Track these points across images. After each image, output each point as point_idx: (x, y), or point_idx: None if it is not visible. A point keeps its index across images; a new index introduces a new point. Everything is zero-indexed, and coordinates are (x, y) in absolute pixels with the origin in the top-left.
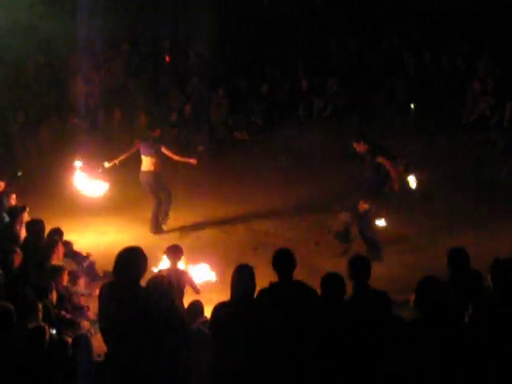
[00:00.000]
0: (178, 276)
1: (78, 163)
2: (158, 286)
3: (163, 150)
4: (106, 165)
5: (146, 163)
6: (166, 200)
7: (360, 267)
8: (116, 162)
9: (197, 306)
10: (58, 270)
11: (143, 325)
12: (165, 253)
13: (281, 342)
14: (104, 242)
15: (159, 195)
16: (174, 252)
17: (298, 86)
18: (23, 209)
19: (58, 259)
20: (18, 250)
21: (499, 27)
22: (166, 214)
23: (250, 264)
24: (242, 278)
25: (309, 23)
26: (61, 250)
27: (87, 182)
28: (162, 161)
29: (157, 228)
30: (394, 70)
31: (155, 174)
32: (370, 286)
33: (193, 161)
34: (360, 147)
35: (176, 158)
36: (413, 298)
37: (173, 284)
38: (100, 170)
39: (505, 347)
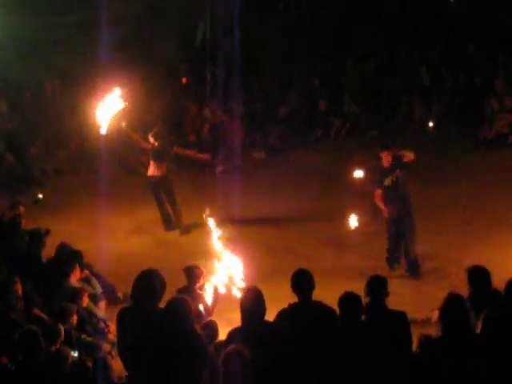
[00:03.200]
0: (192, 298)
1: None
2: (176, 309)
3: None
4: None
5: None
6: None
7: (376, 286)
8: None
9: (211, 327)
10: (78, 292)
11: (162, 348)
12: (184, 271)
13: (296, 365)
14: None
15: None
16: (192, 272)
17: (316, 106)
18: (47, 233)
19: (75, 280)
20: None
21: None
22: None
23: (262, 286)
24: (250, 301)
25: (325, 44)
26: (78, 271)
27: None
28: None
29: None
30: (412, 88)
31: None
32: (386, 305)
33: None
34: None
35: None
36: (436, 315)
37: (191, 306)
38: None
39: None
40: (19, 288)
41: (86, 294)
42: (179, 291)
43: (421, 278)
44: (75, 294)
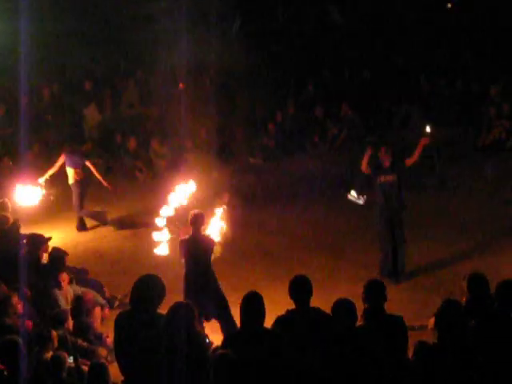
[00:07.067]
0: (202, 243)
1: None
2: (177, 313)
3: (87, 163)
4: (40, 180)
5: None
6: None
7: (374, 291)
8: (47, 176)
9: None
10: (79, 299)
11: (161, 353)
12: (189, 220)
13: (293, 371)
14: None
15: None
16: (198, 218)
17: (313, 112)
18: (48, 239)
19: (65, 284)
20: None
21: None
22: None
23: (259, 292)
24: (251, 306)
25: (323, 52)
26: (65, 277)
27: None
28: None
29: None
30: (409, 94)
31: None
32: (385, 310)
33: (106, 184)
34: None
35: (95, 173)
36: (432, 321)
37: (193, 310)
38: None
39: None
40: (15, 295)
41: (89, 300)
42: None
43: (419, 284)
44: (77, 301)
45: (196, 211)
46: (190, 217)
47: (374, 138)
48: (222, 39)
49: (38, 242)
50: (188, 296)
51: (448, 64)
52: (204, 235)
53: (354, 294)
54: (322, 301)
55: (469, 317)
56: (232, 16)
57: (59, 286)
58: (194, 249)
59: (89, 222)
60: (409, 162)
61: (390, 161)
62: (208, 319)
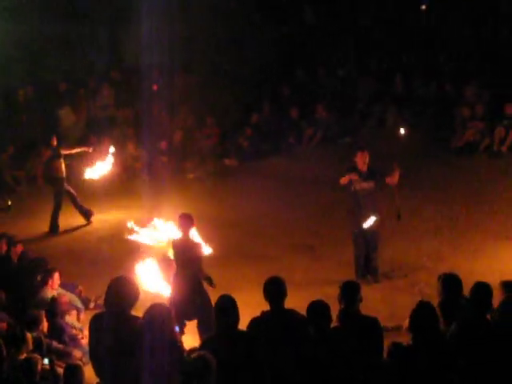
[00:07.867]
0: (191, 247)
1: None
2: (154, 315)
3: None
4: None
5: None
6: None
7: (349, 292)
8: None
9: None
10: (54, 301)
11: (136, 354)
12: (177, 222)
13: (268, 373)
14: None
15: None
16: (186, 220)
17: (288, 113)
18: (17, 243)
19: (51, 290)
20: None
21: (487, 52)
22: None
23: (234, 293)
24: (223, 309)
25: (297, 52)
26: (56, 280)
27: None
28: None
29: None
30: (384, 95)
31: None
32: (360, 311)
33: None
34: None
35: None
36: (407, 322)
37: (169, 311)
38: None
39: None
40: None
41: (64, 302)
42: (174, 241)
43: (393, 285)
44: (52, 302)
45: (183, 213)
46: (178, 220)
47: (350, 140)
48: (196, 40)
49: (9, 243)
50: (174, 295)
51: (423, 65)
52: (191, 238)
53: (330, 295)
54: (298, 302)
55: (443, 318)
56: (212, 17)
57: (52, 286)
58: (182, 250)
59: (63, 224)
60: (389, 181)
61: (367, 166)
62: (190, 319)
